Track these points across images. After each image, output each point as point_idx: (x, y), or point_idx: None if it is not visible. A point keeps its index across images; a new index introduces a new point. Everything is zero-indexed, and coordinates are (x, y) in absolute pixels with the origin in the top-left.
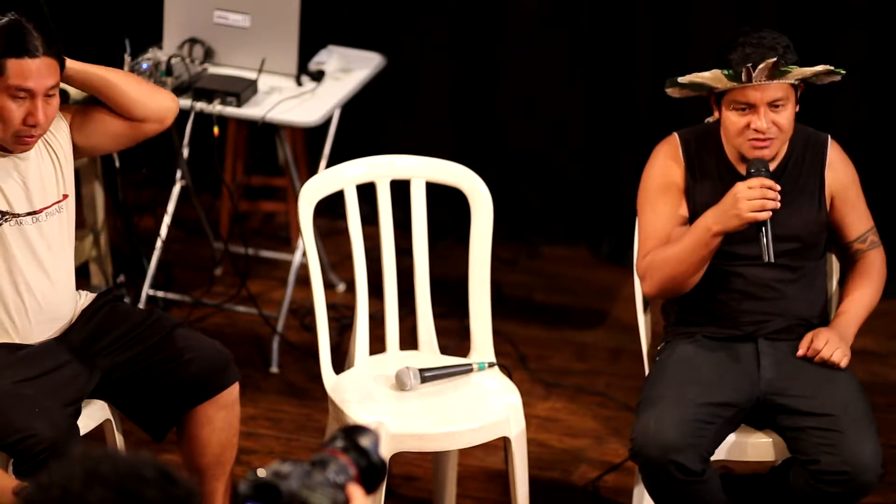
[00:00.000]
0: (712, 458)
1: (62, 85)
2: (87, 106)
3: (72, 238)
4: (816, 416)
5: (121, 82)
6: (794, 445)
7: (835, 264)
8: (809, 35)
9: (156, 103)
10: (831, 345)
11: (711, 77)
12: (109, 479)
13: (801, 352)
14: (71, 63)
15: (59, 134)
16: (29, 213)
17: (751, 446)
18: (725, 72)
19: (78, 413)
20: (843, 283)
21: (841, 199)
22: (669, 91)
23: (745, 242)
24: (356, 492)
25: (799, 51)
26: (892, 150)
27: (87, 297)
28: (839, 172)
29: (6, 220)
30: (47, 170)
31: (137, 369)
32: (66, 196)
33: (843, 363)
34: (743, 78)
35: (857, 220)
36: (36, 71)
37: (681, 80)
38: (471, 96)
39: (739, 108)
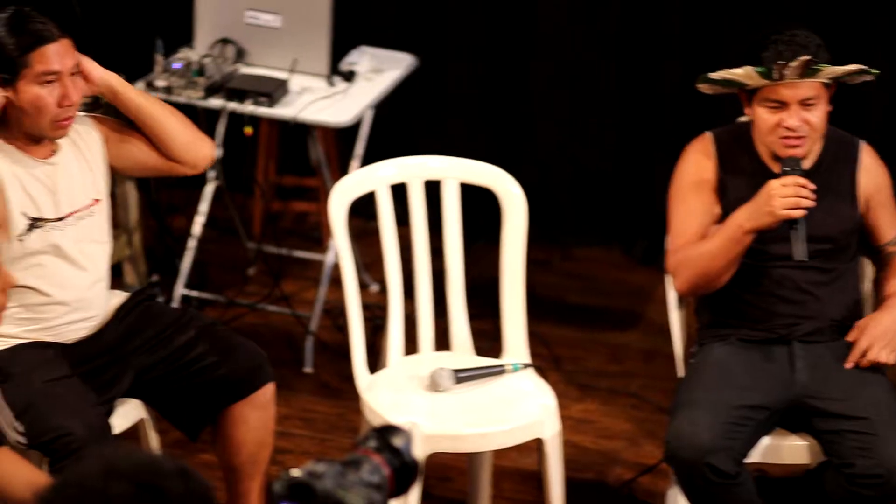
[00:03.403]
0: (748, 461)
1: (95, 91)
2: (126, 128)
3: (105, 239)
4: (851, 419)
5: (168, 120)
6: (829, 449)
7: (867, 267)
8: (842, 35)
9: (195, 149)
10: (876, 346)
11: (744, 74)
12: (129, 473)
13: (849, 364)
14: (123, 87)
15: (91, 140)
16: (59, 219)
17: (786, 449)
18: (758, 69)
19: (111, 412)
20: (877, 285)
21: (875, 203)
22: (701, 87)
23: (778, 241)
24: None
25: (831, 51)
26: None
27: (120, 297)
28: (873, 176)
29: (37, 227)
30: (77, 174)
31: (172, 368)
32: (97, 201)
33: (892, 359)
34: (775, 75)
35: (889, 223)
36: (57, 53)
37: (713, 76)
38: (503, 97)
39: (771, 105)
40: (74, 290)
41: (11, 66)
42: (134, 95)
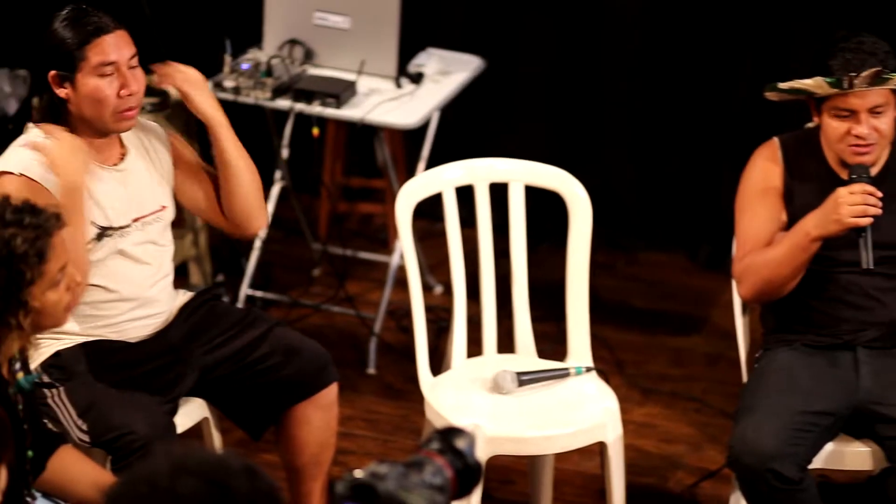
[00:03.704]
0: (810, 467)
1: (164, 87)
2: (197, 162)
3: (167, 242)
4: None
5: (244, 178)
6: (893, 455)
7: None
8: None
9: (254, 217)
10: None
11: (813, 84)
12: (197, 471)
13: None
14: (221, 127)
15: (162, 154)
16: (126, 226)
17: (849, 455)
18: (827, 79)
19: (175, 411)
20: None
21: None
22: (769, 95)
23: (844, 247)
24: None
25: None
26: None
27: (185, 296)
28: None
29: (106, 235)
30: (146, 180)
31: (236, 368)
32: (164, 207)
33: None
34: (845, 85)
35: None
36: (114, 44)
37: (782, 85)
38: (569, 99)
39: (841, 114)
40: (138, 286)
41: (69, 61)
42: (229, 139)
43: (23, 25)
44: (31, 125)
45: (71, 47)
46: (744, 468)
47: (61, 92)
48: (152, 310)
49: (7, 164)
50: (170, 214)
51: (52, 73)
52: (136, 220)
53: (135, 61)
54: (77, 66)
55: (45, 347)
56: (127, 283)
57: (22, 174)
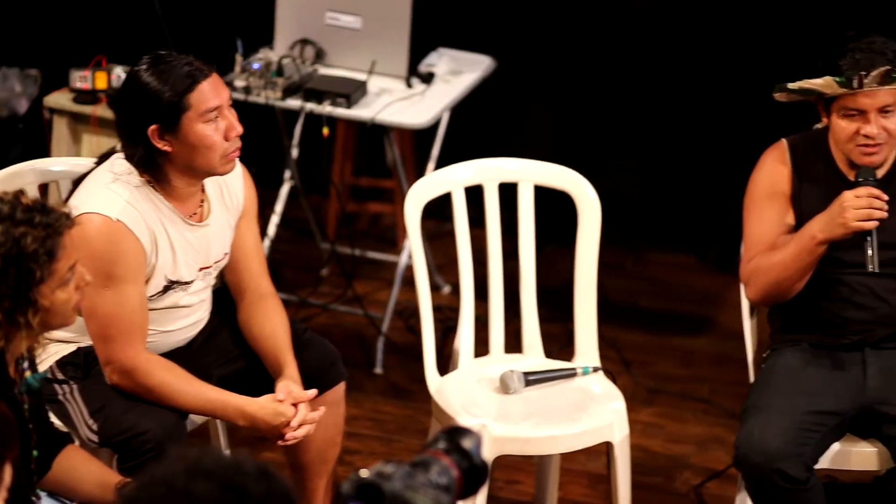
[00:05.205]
0: (816, 467)
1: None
2: (255, 232)
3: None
4: None
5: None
6: None
7: None
8: None
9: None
10: None
11: (823, 84)
12: (213, 473)
13: None
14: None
15: (236, 191)
16: (191, 281)
17: (855, 455)
18: (837, 79)
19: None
20: None
21: None
22: (778, 96)
23: (850, 249)
24: None
25: None
26: None
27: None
28: None
29: (171, 288)
30: (220, 232)
31: (244, 365)
32: (226, 255)
33: None
34: (855, 84)
35: None
36: (213, 88)
37: (791, 86)
38: (579, 100)
39: (850, 114)
40: (186, 326)
41: (171, 113)
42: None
43: (31, 25)
44: (118, 156)
45: (172, 100)
46: (750, 467)
47: (161, 144)
48: (192, 332)
49: (98, 205)
50: (227, 258)
51: (153, 127)
52: (201, 269)
53: (231, 98)
54: (181, 118)
55: (67, 345)
56: (177, 325)
57: (119, 219)
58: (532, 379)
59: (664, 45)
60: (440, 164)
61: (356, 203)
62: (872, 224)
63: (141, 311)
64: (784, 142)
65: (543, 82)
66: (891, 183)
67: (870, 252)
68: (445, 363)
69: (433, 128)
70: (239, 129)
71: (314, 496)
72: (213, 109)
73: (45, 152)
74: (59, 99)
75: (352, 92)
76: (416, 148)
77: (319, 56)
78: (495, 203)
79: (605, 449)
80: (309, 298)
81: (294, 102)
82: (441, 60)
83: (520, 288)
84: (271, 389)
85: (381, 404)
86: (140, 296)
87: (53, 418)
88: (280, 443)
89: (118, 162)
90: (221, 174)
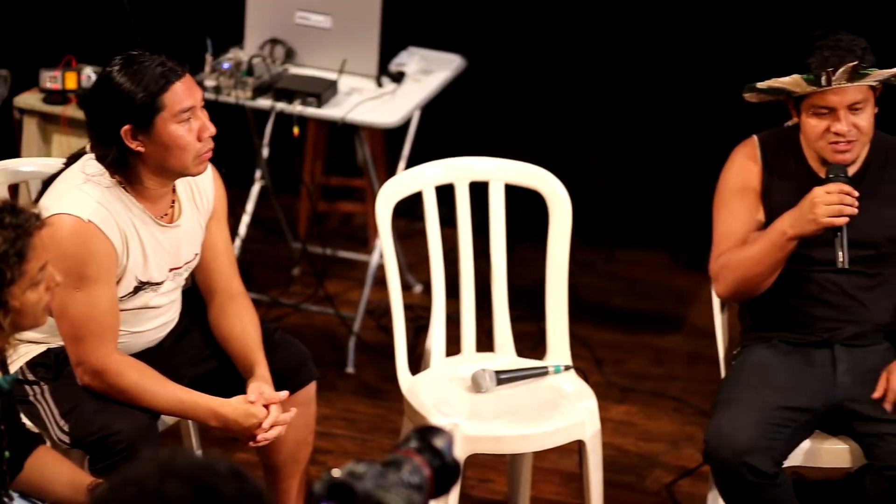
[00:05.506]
0: (787, 464)
1: None
2: (225, 235)
3: (185, 281)
4: (893, 422)
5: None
6: (871, 452)
7: None
8: (884, 35)
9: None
10: None
11: (791, 82)
12: (185, 475)
13: (877, 394)
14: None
15: (207, 190)
16: (161, 282)
17: (825, 452)
18: (805, 76)
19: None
20: None
21: None
22: (747, 97)
23: (820, 246)
24: None
25: (874, 51)
26: None
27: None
28: None
29: (142, 289)
30: (191, 233)
31: (216, 366)
32: (197, 255)
33: None
34: (823, 82)
35: None
36: (186, 88)
37: (760, 85)
38: (550, 98)
39: (819, 112)
40: (156, 327)
41: (144, 114)
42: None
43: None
44: (88, 156)
45: (145, 100)
46: (719, 461)
47: (134, 145)
48: (162, 332)
49: (69, 206)
50: (198, 259)
51: (126, 127)
52: (171, 270)
53: (204, 99)
54: (154, 118)
55: (37, 345)
56: (147, 326)
57: (90, 220)
58: (504, 378)
59: (635, 44)
60: (411, 164)
61: (327, 202)
62: (843, 220)
63: (112, 312)
64: (755, 138)
65: (514, 81)
66: (861, 180)
67: (839, 249)
68: (417, 362)
69: (404, 127)
70: (212, 129)
71: (287, 496)
72: (186, 110)
73: (15, 153)
74: (28, 99)
75: (322, 91)
76: (386, 147)
77: (289, 55)
78: (466, 202)
79: (577, 447)
80: (280, 298)
81: (264, 102)
82: (411, 59)
83: (491, 287)
84: (243, 389)
85: (352, 404)
86: (111, 297)
87: (25, 419)
88: (252, 444)
89: (90, 163)
90: (194, 175)
